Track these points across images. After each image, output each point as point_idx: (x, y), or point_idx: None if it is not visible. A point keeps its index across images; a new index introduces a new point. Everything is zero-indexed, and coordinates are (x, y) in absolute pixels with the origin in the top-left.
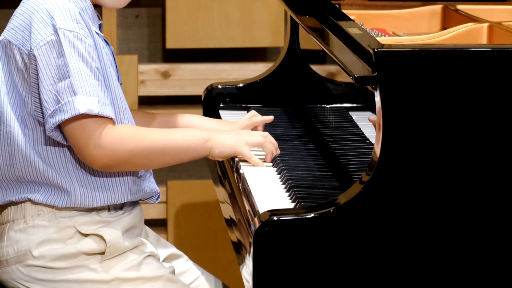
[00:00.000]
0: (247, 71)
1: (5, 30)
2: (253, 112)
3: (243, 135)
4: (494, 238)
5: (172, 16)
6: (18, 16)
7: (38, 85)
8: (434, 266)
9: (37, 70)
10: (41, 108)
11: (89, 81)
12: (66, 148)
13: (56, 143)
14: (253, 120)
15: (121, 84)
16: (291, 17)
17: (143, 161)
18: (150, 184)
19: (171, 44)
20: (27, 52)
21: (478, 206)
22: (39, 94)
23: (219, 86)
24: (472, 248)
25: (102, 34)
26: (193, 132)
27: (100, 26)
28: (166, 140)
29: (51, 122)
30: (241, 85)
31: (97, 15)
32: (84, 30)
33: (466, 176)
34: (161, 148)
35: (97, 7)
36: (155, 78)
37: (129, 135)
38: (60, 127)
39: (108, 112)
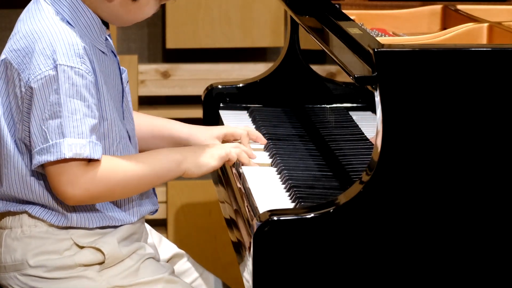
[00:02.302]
0: (247, 71)
1: (7, 47)
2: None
3: (216, 147)
4: (494, 238)
5: (172, 16)
6: (22, 37)
7: (29, 117)
8: (434, 265)
9: (31, 102)
10: (30, 140)
11: (83, 121)
12: None
13: None
14: (233, 131)
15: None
16: (291, 17)
17: (117, 193)
18: (146, 206)
19: (171, 44)
20: (24, 81)
21: (478, 206)
22: (29, 126)
23: (219, 86)
24: (472, 248)
25: (107, 50)
26: (166, 155)
27: (108, 37)
28: (139, 169)
29: (37, 159)
30: (241, 85)
31: (105, 26)
32: (87, 66)
33: (466, 176)
34: (134, 178)
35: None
36: (155, 78)
37: (102, 170)
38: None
39: (98, 154)
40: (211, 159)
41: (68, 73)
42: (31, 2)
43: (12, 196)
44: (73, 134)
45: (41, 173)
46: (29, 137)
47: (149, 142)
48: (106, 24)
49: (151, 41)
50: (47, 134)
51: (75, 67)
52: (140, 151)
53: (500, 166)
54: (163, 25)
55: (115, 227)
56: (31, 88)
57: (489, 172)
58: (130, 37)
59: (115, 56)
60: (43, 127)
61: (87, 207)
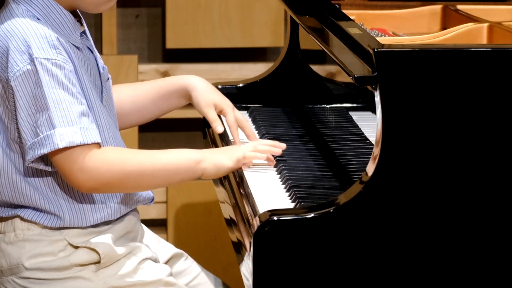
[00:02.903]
0: (247, 71)
1: None
2: (248, 121)
3: (233, 149)
4: (494, 237)
5: (172, 16)
6: None
7: (16, 115)
8: (434, 265)
9: (14, 99)
10: (21, 138)
11: (70, 109)
12: (52, 176)
13: (43, 171)
14: (244, 124)
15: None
16: (291, 17)
17: (131, 184)
18: (142, 193)
19: (171, 44)
20: (5, 80)
21: (478, 206)
22: (17, 123)
23: (219, 86)
24: (472, 248)
25: (83, 46)
26: (185, 153)
27: (83, 33)
28: (155, 163)
29: (31, 154)
30: (241, 85)
31: (79, 21)
32: (63, 55)
33: (466, 176)
34: (149, 170)
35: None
36: (155, 78)
37: (115, 158)
38: (42, 157)
39: (93, 138)
40: (228, 161)
41: (46, 65)
42: (2, 7)
43: (2, 201)
44: (62, 124)
45: (32, 175)
46: (20, 135)
47: (149, 109)
48: (81, 21)
49: (151, 41)
50: (37, 128)
51: (51, 59)
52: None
53: (500, 165)
54: (163, 25)
55: (110, 223)
56: (11, 86)
57: (489, 172)
58: (130, 37)
59: (92, 52)
60: (31, 122)
61: (80, 208)
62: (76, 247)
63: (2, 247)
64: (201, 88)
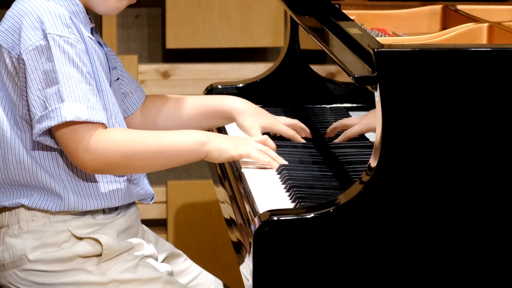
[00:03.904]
0: (247, 71)
1: None
2: (297, 121)
3: (242, 141)
4: (493, 237)
5: (172, 16)
6: (9, 19)
7: (26, 90)
8: (434, 265)
9: (25, 75)
10: (29, 113)
11: (79, 87)
12: (58, 153)
13: (48, 147)
14: (297, 124)
15: (118, 79)
16: (291, 17)
17: (136, 164)
18: (144, 186)
19: (171, 44)
20: (16, 56)
21: (478, 206)
22: (27, 98)
23: (219, 86)
24: (472, 248)
25: (94, 38)
26: (190, 134)
27: (92, 30)
28: (160, 143)
29: (38, 127)
30: (241, 85)
31: (89, 18)
32: (75, 34)
33: (466, 176)
34: (154, 151)
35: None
36: (155, 78)
37: (120, 138)
38: (49, 132)
39: (99, 117)
40: (233, 149)
41: (59, 42)
42: None
43: (8, 182)
44: (71, 99)
45: (38, 153)
46: (28, 110)
47: (188, 124)
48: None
49: (151, 41)
50: (46, 102)
51: (64, 36)
52: None
53: (500, 165)
54: (163, 25)
55: (111, 215)
56: (23, 60)
57: (489, 172)
58: (130, 37)
59: (102, 46)
60: (41, 96)
61: (84, 185)
62: (80, 239)
63: (5, 240)
64: (245, 112)
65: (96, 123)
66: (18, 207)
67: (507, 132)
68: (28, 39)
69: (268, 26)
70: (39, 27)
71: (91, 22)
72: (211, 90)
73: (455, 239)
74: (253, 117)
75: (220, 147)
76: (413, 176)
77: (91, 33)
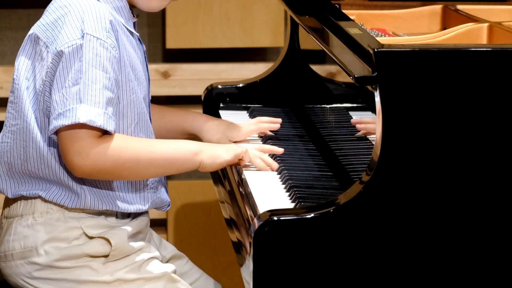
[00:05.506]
0: (247, 71)
1: (36, 23)
2: (259, 118)
3: (235, 146)
4: (493, 237)
5: (172, 16)
6: (51, 13)
7: (52, 85)
8: (434, 265)
9: (55, 70)
10: (51, 108)
11: (102, 92)
12: None
13: None
14: (261, 126)
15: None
16: (291, 17)
17: (126, 173)
18: (161, 195)
19: (171, 44)
20: (52, 52)
21: (478, 206)
22: (50, 94)
23: (219, 86)
24: (472, 248)
25: (138, 34)
26: (183, 144)
27: (134, 24)
28: (152, 152)
29: (53, 124)
30: (241, 85)
31: (132, 12)
32: (112, 40)
33: (466, 176)
34: (145, 159)
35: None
36: (155, 78)
37: (113, 146)
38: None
39: (111, 127)
40: (226, 153)
41: (94, 43)
42: None
43: (27, 173)
44: (90, 102)
45: (58, 150)
46: (50, 105)
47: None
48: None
49: (151, 41)
50: (66, 100)
51: (100, 39)
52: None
53: (500, 165)
54: (163, 25)
55: (124, 220)
56: (59, 55)
57: (489, 172)
58: None
59: (141, 43)
60: (65, 94)
61: (102, 186)
62: (91, 238)
63: (18, 230)
64: (208, 130)
65: (100, 129)
66: (35, 197)
67: (507, 132)
68: (66, 37)
69: (268, 26)
70: (79, 26)
71: (134, 16)
72: (211, 90)
73: (455, 239)
74: (217, 132)
75: (213, 154)
76: (413, 176)
77: (134, 27)
